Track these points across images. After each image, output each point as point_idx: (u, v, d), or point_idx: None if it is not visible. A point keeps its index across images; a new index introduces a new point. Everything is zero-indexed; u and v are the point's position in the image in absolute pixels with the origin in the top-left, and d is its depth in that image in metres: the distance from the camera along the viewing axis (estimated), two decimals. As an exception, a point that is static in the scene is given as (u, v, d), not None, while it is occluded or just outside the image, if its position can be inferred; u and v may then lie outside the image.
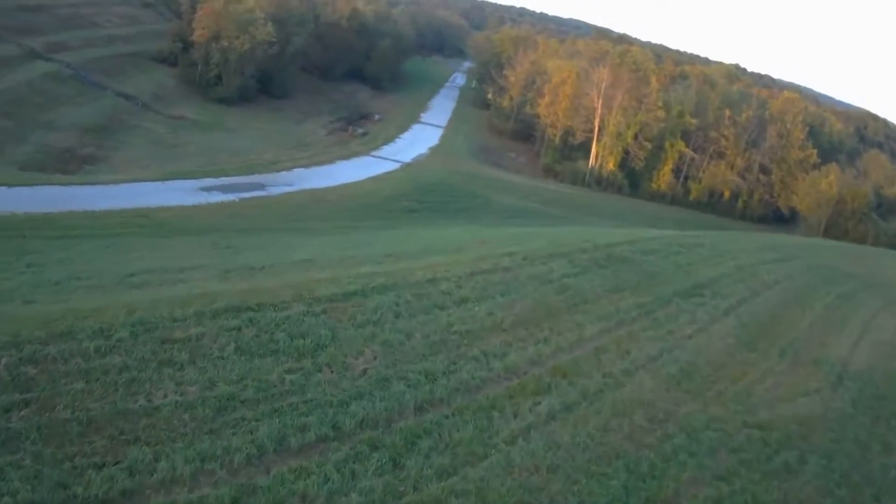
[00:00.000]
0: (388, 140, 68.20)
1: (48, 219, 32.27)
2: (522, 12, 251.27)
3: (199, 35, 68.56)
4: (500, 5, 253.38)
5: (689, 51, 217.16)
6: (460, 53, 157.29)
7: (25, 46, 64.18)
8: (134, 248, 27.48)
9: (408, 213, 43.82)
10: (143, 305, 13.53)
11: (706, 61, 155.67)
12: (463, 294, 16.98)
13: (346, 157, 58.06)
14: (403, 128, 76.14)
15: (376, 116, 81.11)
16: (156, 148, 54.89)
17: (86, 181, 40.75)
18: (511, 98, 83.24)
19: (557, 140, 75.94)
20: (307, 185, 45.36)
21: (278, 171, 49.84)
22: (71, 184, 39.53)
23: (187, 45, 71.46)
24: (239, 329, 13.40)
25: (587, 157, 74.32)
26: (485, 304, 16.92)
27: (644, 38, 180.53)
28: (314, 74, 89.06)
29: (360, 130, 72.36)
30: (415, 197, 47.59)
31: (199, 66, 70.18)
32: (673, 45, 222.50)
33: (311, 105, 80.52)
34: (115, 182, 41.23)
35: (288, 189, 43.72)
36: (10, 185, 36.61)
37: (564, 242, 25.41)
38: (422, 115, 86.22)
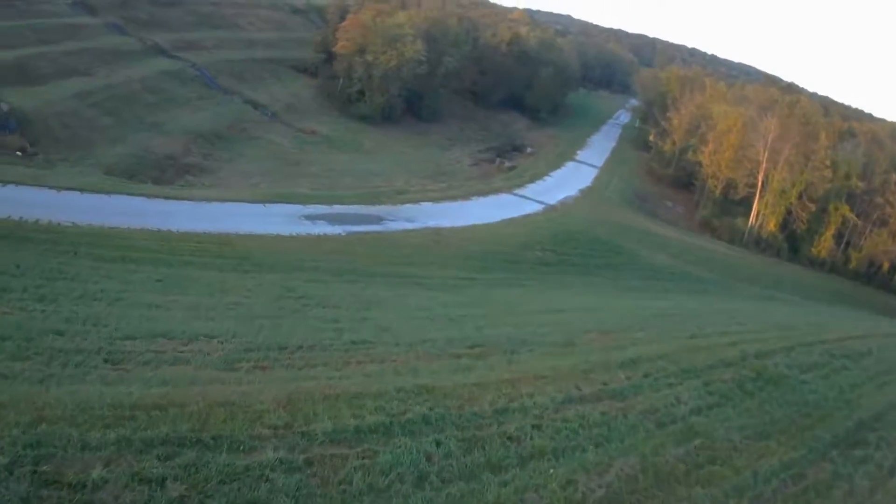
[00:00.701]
0: (537, 177, 67.79)
1: (111, 235, 31.44)
2: (693, 52, 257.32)
3: (342, 46, 71.08)
4: (671, 43, 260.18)
5: (854, 105, 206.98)
6: (627, 89, 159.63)
7: (148, 41, 68.36)
8: (189, 284, 25.17)
9: (540, 265, 42.38)
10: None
11: (871, 118, 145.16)
12: (538, 443, 12.84)
13: (485, 193, 57.61)
14: (556, 165, 76.42)
15: (529, 149, 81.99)
16: (274, 163, 54.62)
17: (175, 195, 40.21)
18: (673, 142, 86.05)
19: (718, 192, 77.15)
20: (431, 223, 44.28)
21: (403, 202, 48.56)
22: (157, 196, 39.07)
23: (330, 57, 74.51)
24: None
25: (747, 213, 74.80)
26: (566, 462, 12.60)
27: (810, 89, 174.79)
28: (468, 99, 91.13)
29: (507, 163, 72.38)
30: (552, 246, 46.09)
31: (341, 80, 72.51)
32: (839, 98, 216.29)
33: (460, 131, 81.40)
34: (209, 199, 40.46)
35: (407, 225, 42.86)
36: (84, 191, 36.58)
37: (703, 345, 22.63)
38: (578, 152, 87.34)
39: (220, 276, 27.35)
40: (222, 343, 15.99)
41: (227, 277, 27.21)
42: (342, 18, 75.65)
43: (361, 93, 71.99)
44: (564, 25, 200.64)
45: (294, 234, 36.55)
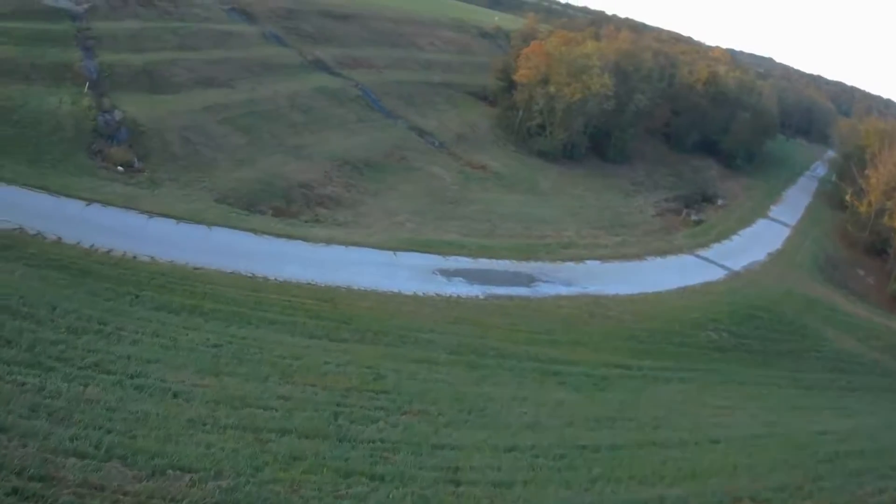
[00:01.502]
0: (724, 235, 66.93)
1: (191, 277, 29.99)
2: (888, 104, 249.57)
3: (523, 75, 72.42)
4: (869, 94, 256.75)
5: None
6: (825, 139, 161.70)
7: (309, 55, 70.44)
8: (250, 356, 22.51)
9: (712, 350, 40.75)
10: None
11: None
12: None
13: (664, 253, 56.37)
14: (746, 221, 75.53)
15: (719, 201, 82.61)
16: (428, 200, 52.67)
17: (290, 232, 38.77)
18: (870, 203, 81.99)
19: (914, 264, 72.52)
20: (592, 289, 42.87)
21: (565, 259, 46.25)
22: (267, 232, 37.84)
23: (511, 85, 75.83)
24: None
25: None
26: None
27: None
28: (659, 140, 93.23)
29: (694, 217, 72.01)
30: (729, 326, 44.45)
31: (521, 111, 73.48)
32: None
33: (647, 176, 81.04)
34: (329, 241, 38.93)
35: (563, 290, 41.21)
36: (181, 220, 35.84)
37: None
38: (771, 207, 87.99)
39: (301, 344, 25.12)
40: (192, 486, 11.37)
41: (310, 349, 24.87)
42: (526, 44, 77.45)
43: (542, 127, 72.77)
44: (766, 68, 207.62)
45: (419, 293, 34.55)
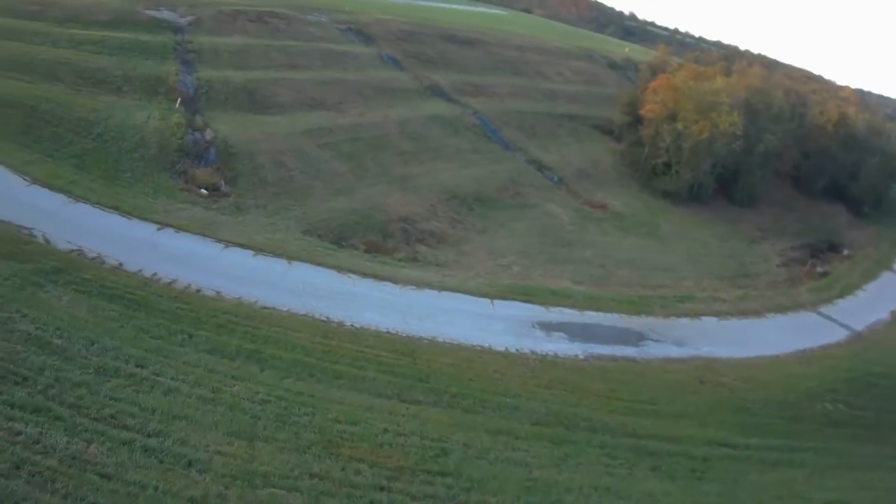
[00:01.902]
0: (848, 290, 64.25)
1: (256, 318, 28.62)
2: None
3: (650, 110, 72.92)
4: None
5: None
6: None
7: (426, 80, 69.85)
8: (299, 417, 20.93)
9: (825, 425, 38.66)
10: None
11: None
12: None
13: (785, 310, 54.09)
14: (871, 274, 72.40)
15: (845, 251, 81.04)
16: (540, 241, 50.75)
17: (377, 272, 37.06)
18: None
19: None
20: (705, 350, 40.93)
21: (680, 314, 44.27)
22: (352, 271, 36.23)
23: (637, 120, 76.25)
24: None
25: None
26: None
27: None
28: (787, 184, 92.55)
29: (820, 268, 70.40)
30: (846, 396, 42.29)
31: (646, 148, 73.42)
32: None
33: (775, 221, 78.87)
34: (422, 284, 36.91)
35: (673, 351, 39.47)
36: (259, 251, 34.90)
37: None
38: None
39: (364, 405, 23.79)
40: None
41: (372, 411, 23.38)
42: (655, 77, 78.10)
43: (668, 165, 72.21)
44: (893, 109, 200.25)
45: (511, 349, 32.46)
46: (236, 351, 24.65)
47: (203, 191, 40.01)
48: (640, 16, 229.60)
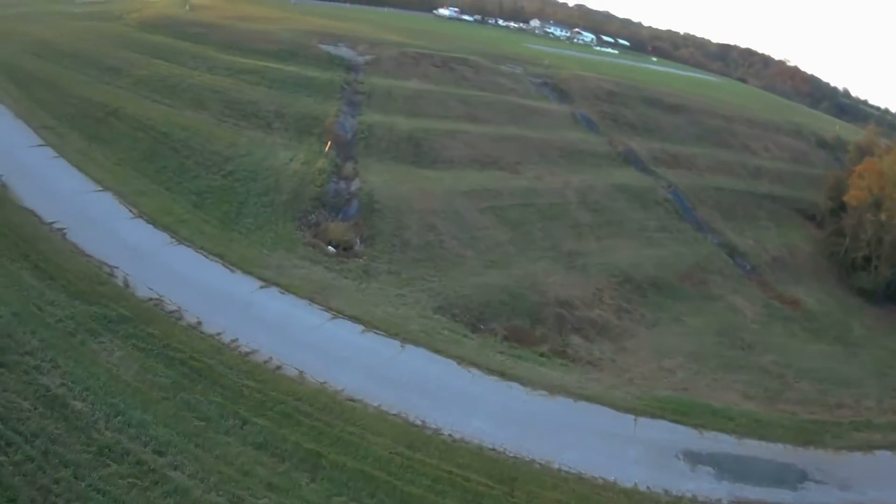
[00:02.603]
0: None
1: (335, 410, 26.33)
2: None
3: (853, 196, 71.66)
4: None
5: None
6: None
7: (620, 144, 67.88)
8: None
9: None
10: None
11: None
12: None
13: None
14: None
15: None
16: (717, 342, 46.18)
17: (506, 369, 33.05)
18: None
19: None
20: (871, 495, 34.32)
21: (853, 447, 37.99)
22: (476, 364, 32.51)
23: (841, 206, 75.27)
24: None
25: None
26: None
27: None
28: None
29: None
30: None
31: (847, 238, 71.98)
32: None
33: None
34: (557, 389, 32.69)
35: (835, 497, 33.90)
36: (370, 328, 32.56)
37: None
38: None
39: None
40: None
41: None
42: (862, 160, 76.76)
43: (867, 259, 69.82)
44: None
45: (641, 486, 28.00)
46: (292, 450, 22.39)
47: (331, 248, 38.90)
48: (854, 93, 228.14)
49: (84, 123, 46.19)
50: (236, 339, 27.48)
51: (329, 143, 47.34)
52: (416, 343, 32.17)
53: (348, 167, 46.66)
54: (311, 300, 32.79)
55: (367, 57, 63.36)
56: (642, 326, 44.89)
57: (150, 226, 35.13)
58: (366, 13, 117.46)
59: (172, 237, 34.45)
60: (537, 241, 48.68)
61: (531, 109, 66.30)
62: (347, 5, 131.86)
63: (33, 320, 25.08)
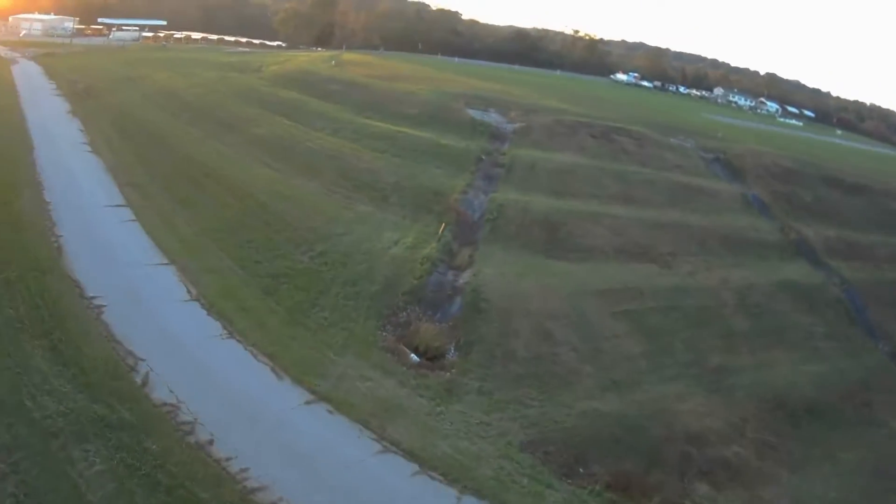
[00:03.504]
0: None
1: None
2: None
3: None
4: None
5: None
6: None
7: (792, 232, 60.55)
8: None
9: None
10: None
11: None
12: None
13: None
14: None
15: None
16: (868, 487, 37.76)
17: None
18: None
19: None
20: None
21: None
22: None
23: None
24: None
25: None
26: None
27: None
28: None
29: None
30: None
31: None
32: None
33: None
34: None
35: None
36: (428, 467, 27.25)
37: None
38: None
39: None
40: None
41: None
42: None
43: None
44: None
45: None
46: None
47: (414, 357, 33.62)
48: None
49: (176, 184, 43.95)
50: (246, 469, 22.97)
51: (444, 224, 42.75)
52: (480, 494, 26.10)
53: (463, 254, 41.66)
54: (365, 424, 27.59)
55: (517, 124, 59.07)
56: (785, 469, 36.91)
57: (204, 311, 31.56)
58: (532, 76, 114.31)
59: (224, 328, 30.59)
60: (677, 355, 41.43)
61: (696, 189, 60.08)
62: (516, 67, 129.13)
63: (18, 412, 22.78)
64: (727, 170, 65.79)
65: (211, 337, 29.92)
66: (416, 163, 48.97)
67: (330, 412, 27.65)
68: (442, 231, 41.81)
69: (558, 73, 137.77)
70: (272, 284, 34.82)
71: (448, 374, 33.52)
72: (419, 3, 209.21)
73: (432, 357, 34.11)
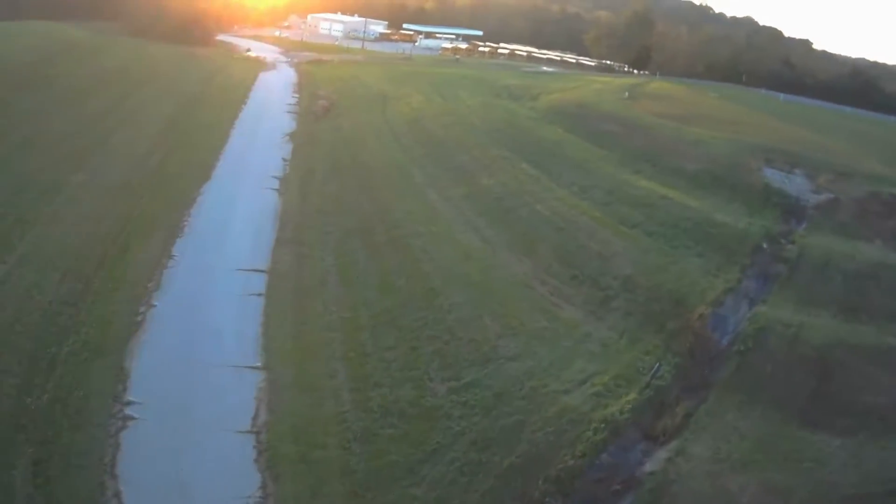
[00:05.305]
0: None
1: None
2: None
3: None
4: None
5: None
6: None
7: None
8: None
9: None
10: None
11: None
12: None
13: None
14: None
15: None
16: None
17: None
18: None
19: None
20: None
21: None
22: None
23: None
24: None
25: None
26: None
27: None
28: None
29: None
30: None
31: None
32: None
33: None
34: None
35: None
36: None
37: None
38: None
39: None
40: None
41: None
42: None
43: None
44: None
45: None
46: None
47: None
48: None
49: (348, 248, 39.22)
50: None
51: (659, 363, 31.39)
52: None
53: (677, 412, 28.89)
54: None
55: (823, 195, 45.97)
56: None
57: (252, 454, 25.10)
58: (862, 122, 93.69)
59: (262, 489, 23.71)
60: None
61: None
62: (847, 109, 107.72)
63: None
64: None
65: (236, 499, 23.20)
66: (671, 247, 38.09)
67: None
68: (653, 372, 31.37)
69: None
70: (372, 427, 26.35)
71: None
72: (759, 27, 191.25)
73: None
